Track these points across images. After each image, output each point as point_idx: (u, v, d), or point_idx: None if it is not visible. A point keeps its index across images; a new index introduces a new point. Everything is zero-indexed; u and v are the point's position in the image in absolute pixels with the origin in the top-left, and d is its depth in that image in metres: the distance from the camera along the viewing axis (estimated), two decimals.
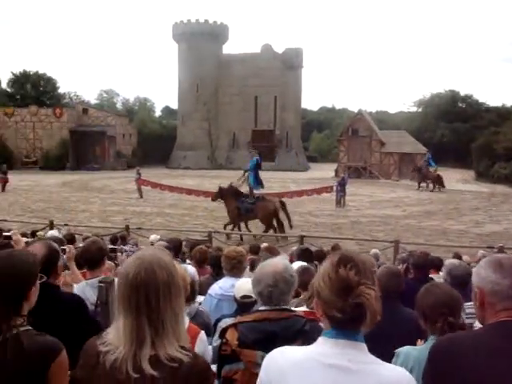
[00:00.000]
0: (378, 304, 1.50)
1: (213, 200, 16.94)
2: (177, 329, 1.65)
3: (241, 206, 15.45)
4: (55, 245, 3.05)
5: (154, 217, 19.30)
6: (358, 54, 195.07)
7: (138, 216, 19.41)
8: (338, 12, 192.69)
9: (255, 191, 16.34)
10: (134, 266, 1.64)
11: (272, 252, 6.76)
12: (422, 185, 31.40)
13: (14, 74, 63.36)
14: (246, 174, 16.78)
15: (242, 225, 16.08)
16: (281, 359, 1.62)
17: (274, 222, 15.34)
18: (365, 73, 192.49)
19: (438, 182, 30.62)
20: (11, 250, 2.24)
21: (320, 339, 1.60)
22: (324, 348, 1.55)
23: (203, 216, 19.51)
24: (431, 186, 30.85)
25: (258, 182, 16.43)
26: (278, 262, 2.48)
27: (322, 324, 1.68)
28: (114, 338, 1.64)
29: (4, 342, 1.75)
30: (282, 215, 15.50)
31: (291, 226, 15.55)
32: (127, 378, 1.56)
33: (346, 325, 1.52)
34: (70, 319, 2.63)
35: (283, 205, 15.65)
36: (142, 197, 25.08)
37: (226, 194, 16.01)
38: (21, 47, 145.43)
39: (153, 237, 10.22)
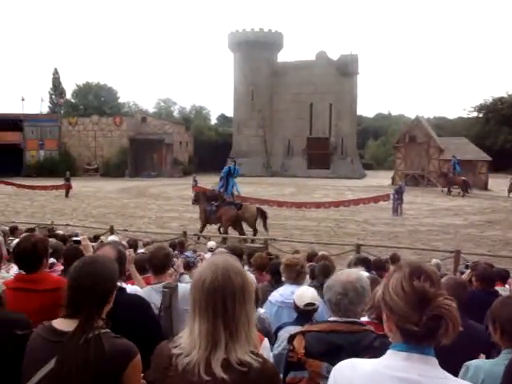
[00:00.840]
0: (458, 314, 1.46)
1: (192, 204, 18.62)
2: (249, 333, 1.68)
3: (208, 209, 16.77)
4: (122, 248, 3.18)
5: None
6: (415, 58, 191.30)
7: (195, 222, 19.64)
8: (393, 17, 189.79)
9: (232, 197, 17.53)
10: (210, 272, 1.68)
11: (327, 260, 6.73)
12: (450, 189, 31.91)
13: (77, 86, 66.48)
14: (222, 180, 17.80)
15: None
16: (350, 371, 1.60)
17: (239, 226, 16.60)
18: (422, 78, 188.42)
19: (465, 186, 31.01)
20: (93, 255, 2.34)
21: (390, 352, 1.56)
22: (394, 361, 1.52)
23: (258, 223, 19.52)
24: (454, 190, 31.78)
25: (226, 189, 17.41)
26: (352, 272, 2.50)
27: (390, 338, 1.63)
28: (187, 342, 1.68)
29: (86, 342, 1.82)
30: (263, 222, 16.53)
31: (266, 230, 16.44)
32: (199, 380, 1.60)
33: (421, 338, 1.48)
34: (137, 319, 2.71)
35: (262, 213, 16.63)
36: None
37: (200, 198, 17.59)
38: (84, 60, 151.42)
39: (210, 243, 10.37)
